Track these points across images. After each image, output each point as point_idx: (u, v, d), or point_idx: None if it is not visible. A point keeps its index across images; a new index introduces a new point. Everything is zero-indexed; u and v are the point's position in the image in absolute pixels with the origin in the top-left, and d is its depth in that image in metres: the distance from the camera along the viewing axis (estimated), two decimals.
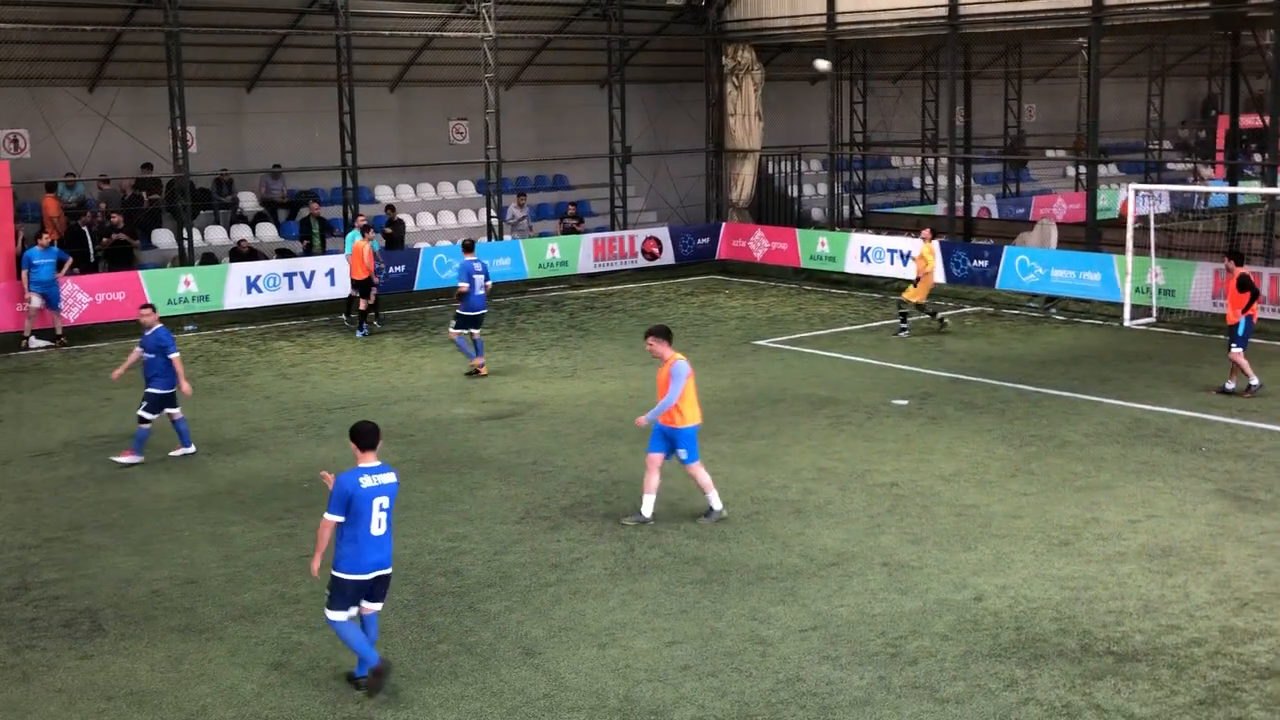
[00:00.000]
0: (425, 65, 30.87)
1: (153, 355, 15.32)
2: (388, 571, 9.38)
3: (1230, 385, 17.75)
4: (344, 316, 24.61)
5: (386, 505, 9.23)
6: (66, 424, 17.30)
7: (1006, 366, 19.92)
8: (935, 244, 24.23)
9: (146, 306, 15.95)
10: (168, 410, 15.41)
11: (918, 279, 22.79)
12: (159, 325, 15.49)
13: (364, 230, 24.01)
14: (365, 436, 9.41)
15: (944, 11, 27.24)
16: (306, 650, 10.04)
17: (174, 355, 15.30)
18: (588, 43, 31.76)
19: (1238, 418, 16.53)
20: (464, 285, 19.47)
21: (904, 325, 22.78)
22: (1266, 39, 26.92)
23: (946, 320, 23.36)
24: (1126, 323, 23.11)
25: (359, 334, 23.25)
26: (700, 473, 12.90)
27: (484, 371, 19.71)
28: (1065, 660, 9.64)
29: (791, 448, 15.49)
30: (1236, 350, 17.58)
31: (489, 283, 20.20)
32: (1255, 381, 17.59)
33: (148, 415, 15.24)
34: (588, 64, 32.76)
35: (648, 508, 12.86)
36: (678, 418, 12.65)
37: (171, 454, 15.50)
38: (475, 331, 19.80)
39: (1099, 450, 15.18)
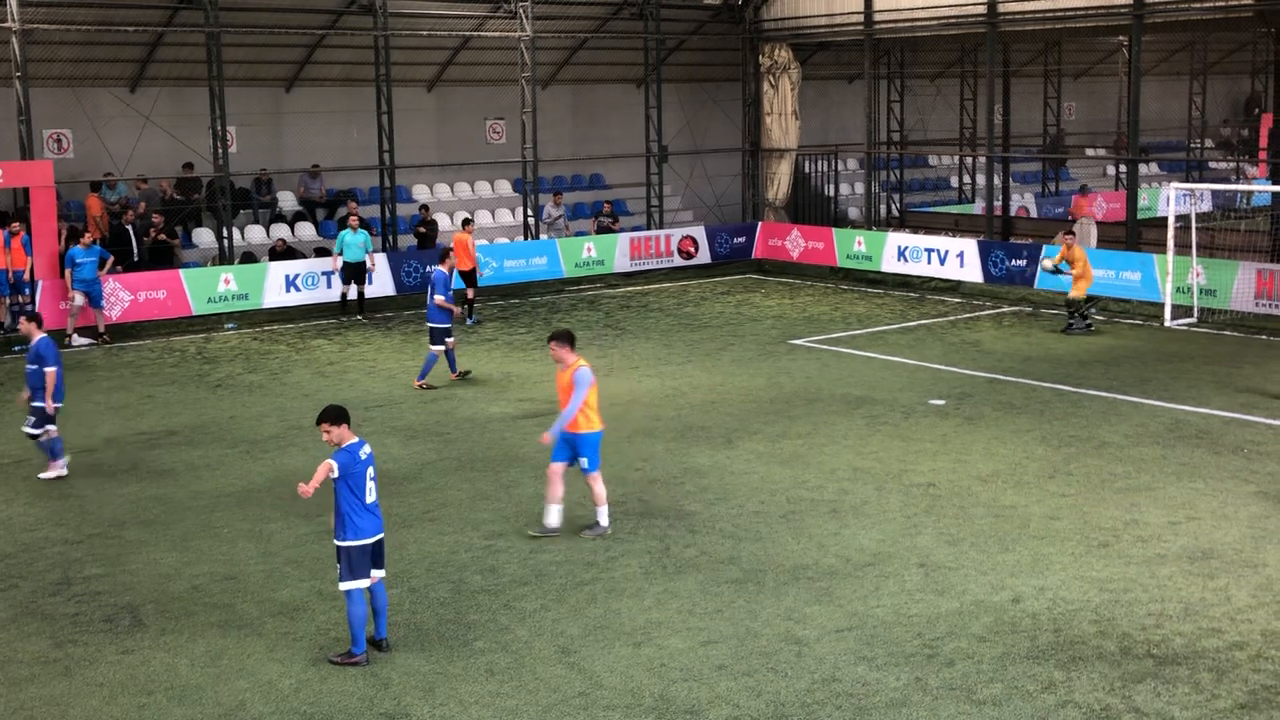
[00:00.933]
0: (462, 65, 31.01)
1: (34, 367, 14.43)
2: (383, 535, 10.09)
3: None
4: (359, 316, 24.95)
5: (373, 474, 10.06)
6: (109, 421, 17.49)
7: (1045, 367, 19.78)
8: (1079, 245, 23.23)
9: (25, 316, 15.03)
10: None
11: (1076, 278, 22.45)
12: (39, 336, 14.55)
13: (464, 224, 25.26)
14: (345, 415, 9.99)
15: (983, 10, 27.08)
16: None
17: (50, 369, 14.30)
18: (624, 42, 31.79)
19: None
20: (440, 298, 18.80)
21: (1086, 321, 22.46)
22: None
23: (1092, 324, 22.69)
24: (1167, 323, 22.90)
25: (469, 322, 24.16)
26: (598, 484, 12.50)
27: (436, 384, 19.05)
28: (1104, 663, 9.57)
29: (827, 447, 15.45)
30: None
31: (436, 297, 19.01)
32: None
33: (37, 430, 14.49)
34: (624, 63, 32.81)
35: (553, 518, 12.46)
36: (581, 422, 12.33)
37: (41, 475, 14.69)
38: (450, 341, 19.13)
39: (1139, 451, 15.05)
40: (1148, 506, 13.08)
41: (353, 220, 25.15)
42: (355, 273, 24.87)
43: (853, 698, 9.09)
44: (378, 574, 9.99)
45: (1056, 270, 22.90)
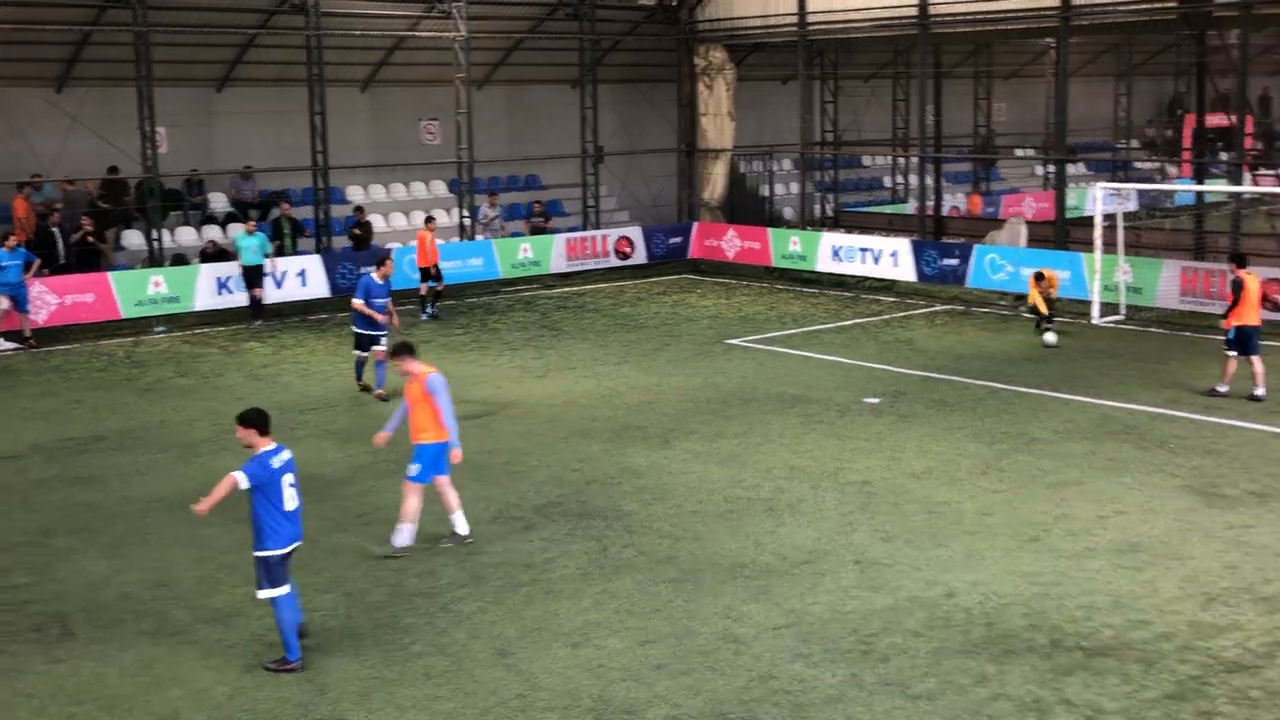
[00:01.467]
0: (397, 65, 30.79)
1: None
2: (301, 543, 10.05)
3: (1255, 390, 17.45)
4: (257, 320, 24.71)
5: (293, 480, 9.90)
6: (36, 427, 17.17)
7: (977, 364, 20.04)
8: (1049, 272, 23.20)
9: None
10: None
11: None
12: None
13: (426, 221, 25.92)
14: (264, 421, 9.87)
15: (914, 11, 27.36)
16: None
17: None
18: (559, 43, 31.74)
19: (1204, 414, 16.69)
20: (357, 301, 18.27)
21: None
22: (1232, 38, 27.16)
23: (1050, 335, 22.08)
24: (1095, 320, 23.28)
25: (424, 315, 24.84)
26: (414, 498, 12.04)
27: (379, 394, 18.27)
28: (1035, 656, 9.72)
29: (764, 446, 15.54)
30: (1232, 353, 17.55)
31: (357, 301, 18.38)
32: (1222, 388, 17.61)
33: None
34: (560, 64, 32.75)
35: (405, 537, 12.05)
36: (422, 434, 12.01)
37: None
38: (378, 350, 18.18)
39: (1068, 447, 15.29)
40: (1077, 501, 13.30)
41: (249, 224, 25.13)
42: (253, 276, 24.73)
43: (790, 695, 9.16)
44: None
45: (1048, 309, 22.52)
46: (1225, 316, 17.60)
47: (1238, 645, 9.83)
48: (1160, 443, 15.43)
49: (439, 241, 26.44)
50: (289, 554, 9.84)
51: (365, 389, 18.61)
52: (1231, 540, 12.10)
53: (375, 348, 18.29)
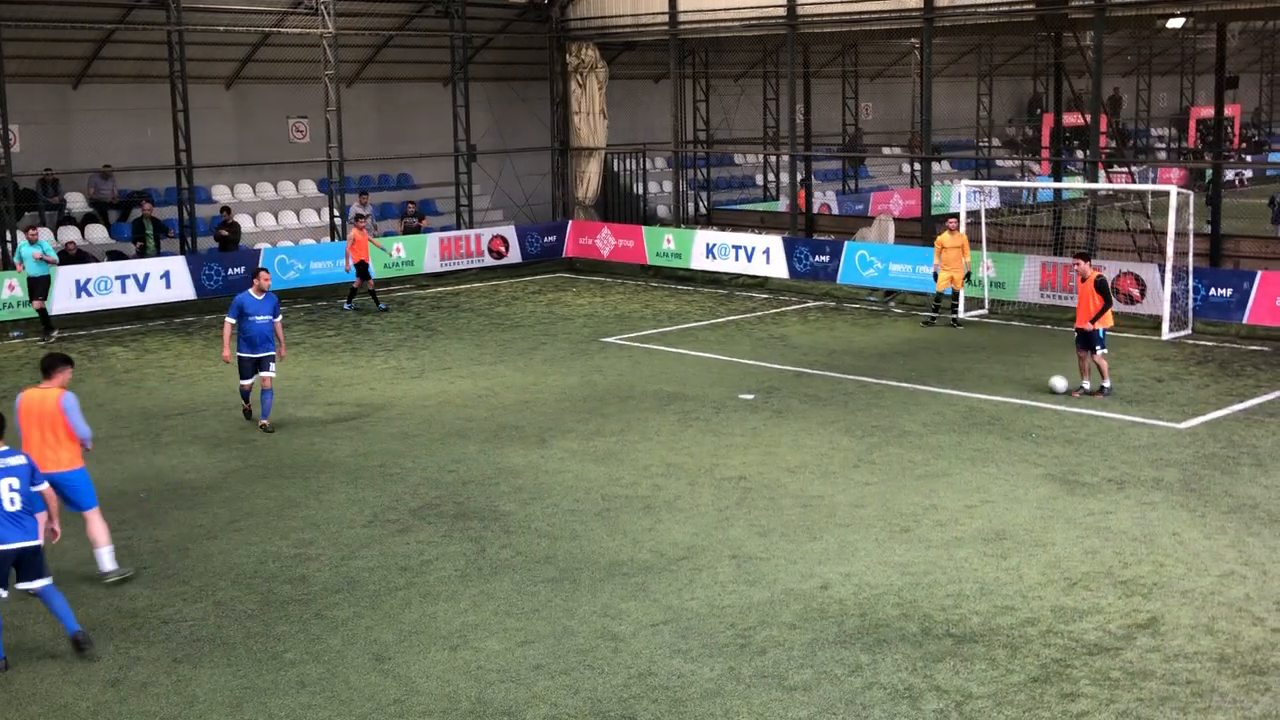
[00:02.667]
0: (263, 62, 30.17)
1: None
2: (29, 544, 9.82)
3: (1087, 385, 17.65)
4: (50, 334, 22.85)
5: (17, 486, 9.77)
6: None
7: (848, 359, 20.39)
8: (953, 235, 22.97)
9: None
10: None
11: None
12: None
13: (355, 220, 25.94)
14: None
15: (783, 11, 27.73)
16: (145, 665, 9.73)
17: None
18: (430, 40, 31.44)
19: (1065, 405, 17.22)
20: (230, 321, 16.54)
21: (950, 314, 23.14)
22: (1086, 40, 28.09)
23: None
24: (961, 315, 23.86)
25: (347, 306, 25.26)
26: (96, 523, 11.43)
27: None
28: (907, 644, 9.93)
29: (641, 444, 15.60)
30: (1101, 351, 17.55)
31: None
32: (1107, 384, 17.65)
33: None
34: (431, 61, 32.46)
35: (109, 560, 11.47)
36: (65, 458, 11.04)
37: None
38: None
39: (936, 439, 15.65)
40: (945, 492, 13.62)
41: (31, 232, 23.37)
42: (36, 287, 22.97)
43: (669, 690, 9.21)
44: (30, 585, 9.87)
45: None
46: (1098, 317, 17.36)
47: (1098, 628, 10.16)
48: (1023, 433, 15.88)
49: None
50: (14, 554, 9.71)
51: (248, 414, 16.90)
52: (1091, 526, 12.51)
53: (262, 373, 16.44)
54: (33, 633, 10.36)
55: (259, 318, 16.42)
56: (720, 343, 21.99)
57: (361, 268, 25.18)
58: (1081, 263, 17.79)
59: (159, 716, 8.95)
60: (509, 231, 30.87)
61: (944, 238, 22.80)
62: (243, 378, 16.69)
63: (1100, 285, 17.40)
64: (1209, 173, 35.24)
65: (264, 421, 16.44)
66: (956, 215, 23.81)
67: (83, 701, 9.19)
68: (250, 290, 16.52)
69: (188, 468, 14.97)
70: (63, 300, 23.95)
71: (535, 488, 13.90)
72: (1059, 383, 17.71)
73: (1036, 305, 23.92)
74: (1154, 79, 49.17)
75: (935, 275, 23.06)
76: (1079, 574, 11.30)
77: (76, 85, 28.25)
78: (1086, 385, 17.66)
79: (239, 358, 16.57)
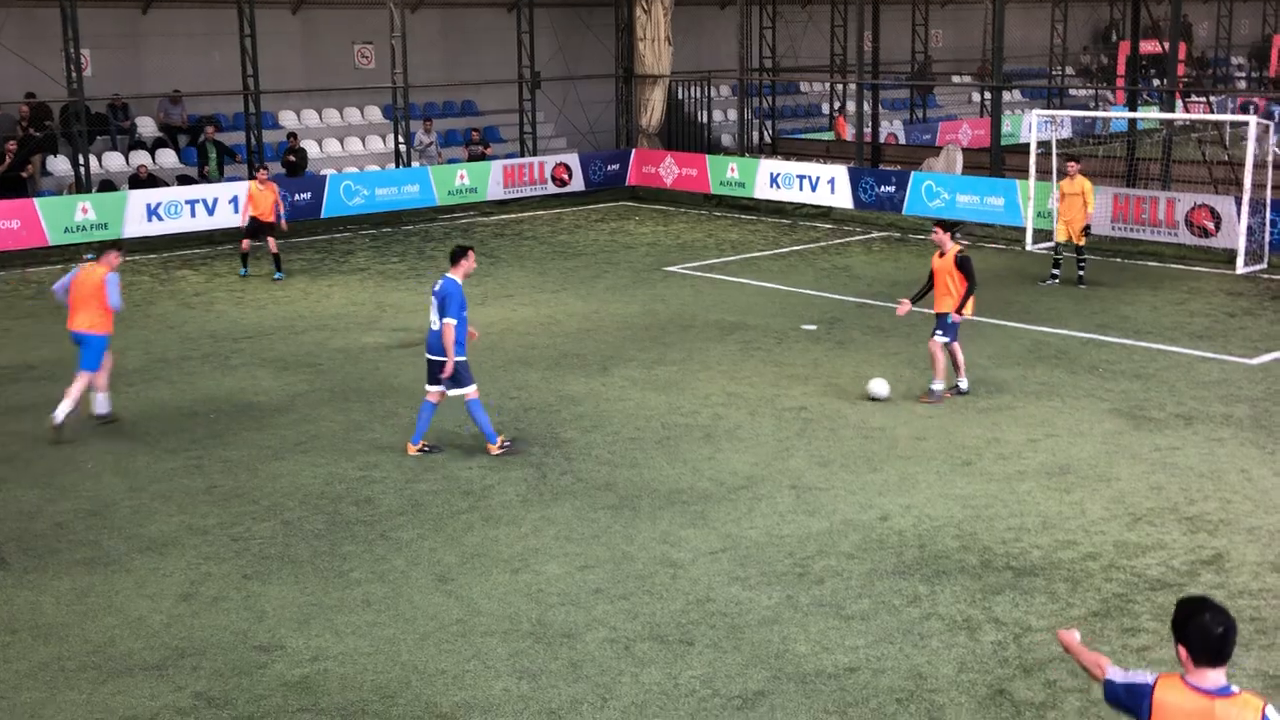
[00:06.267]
0: None
1: None
2: None
3: (938, 385, 14.43)
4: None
5: None
6: None
7: (912, 291, 20.15)
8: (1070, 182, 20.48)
9: None
10: None
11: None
12: None
13: (256, 171, 22.82)
14: None
15: None
16: (216, 581, 9.98)
17: None
18: None
19: (1133, 339, 16.98)
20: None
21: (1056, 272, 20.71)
22: None
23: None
24: (1029, 247, 23.52)
25: (277, 277, 21.98)
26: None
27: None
28: (966, 576, 9.93)
29: (702, 373, 15.62)
30: (953, 343, 14.42)
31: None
32: (963, 384, 14.61)
33: None
34: None
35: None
36: (93, 322, 13.55)
37: None
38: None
39: (1001, 372, 15.52)
40: (1008, 425, 13.52)
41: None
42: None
43: (726, 617, 9.29)
44: None
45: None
46: (963, 304, 14.27)
47: (1161, 564, 10.09)
48: (1090, 367, 15.69)
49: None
50: None
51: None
52: (1158, 462, 12.39)
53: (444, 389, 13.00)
54: (107, 547, 10.65)
55: (464, 313, 12.73)
56: (783, 273, 21.87)
57: (264, 227, 21.82)
58: (940, 232, 14.29)
59: (230, 630, 9.20)
60: (572, 159, 30.78)
61: (1063, 183, 20.40)
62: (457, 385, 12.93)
63: (963, 263, 14.13)
64: None
65: (501, 441, 12.93)
66: (1076, 157, 21.54)
67: (156, 615, 9.45)
68: (456, 276, 12.62)
69: (256, 390, 15.22)
70: (134, 224, 24.29)
71: (596, 415, 13.98)
72: (879, 388, 14.30)
73: (1107, 238, 23.51)
74: (1234, 5, 47.73)
75: (1053, 226, 20.93)
76: (1143, 509, 11.21)
77: (146, 10, 28.42)
78: (962, 384, 14.53)
79: (459, 363, 12.67)
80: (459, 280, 12.51)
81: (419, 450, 12.80)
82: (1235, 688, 5.03)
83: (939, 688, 8.28)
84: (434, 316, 12.39)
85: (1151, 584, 9.76)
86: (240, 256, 22.41)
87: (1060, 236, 20.63)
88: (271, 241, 21.98)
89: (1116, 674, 5.30)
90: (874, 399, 14.23)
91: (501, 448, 12.74)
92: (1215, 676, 5.00)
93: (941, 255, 14.41)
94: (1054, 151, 23.62)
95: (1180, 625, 5.07)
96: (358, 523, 11.13)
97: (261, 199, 21.91)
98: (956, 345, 14.48)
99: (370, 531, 10.93)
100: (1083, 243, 20.41)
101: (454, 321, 12.33)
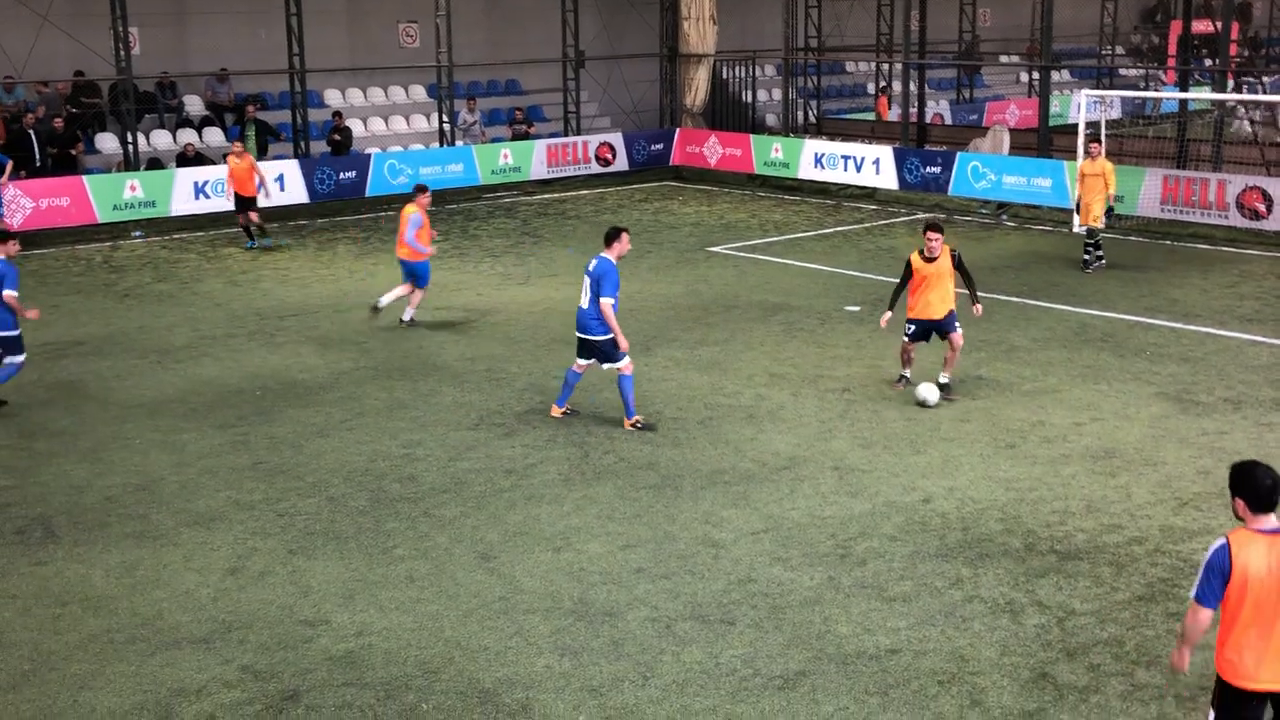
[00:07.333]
0: None
1: None
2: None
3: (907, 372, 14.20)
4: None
5: None
6: None
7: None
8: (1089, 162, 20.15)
9: None
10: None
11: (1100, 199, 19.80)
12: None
13: (235, 145, 23.29)
14: None
15: None
16: (262, 555, 10.09)
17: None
18: None
19: (1182, 322, 16.79)
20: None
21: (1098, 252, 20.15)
22: None
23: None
24: (1076, 228, 23.24)
25: (266, 243, 22.65)
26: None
27: None
28: (1009, 559, 9.87)
29: (745, 354, 15.59)
30: (954, 334, 13.83)
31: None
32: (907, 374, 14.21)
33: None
34: None
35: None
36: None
37: None
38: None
39: (1046, 355, 15.39)
40: (1054, 408, 13.41)
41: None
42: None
43: (768, 597, 9.29)
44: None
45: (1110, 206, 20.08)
46: (977, 297, 14.12)
47: (1207, 549, 9.97)
48: (1137, 350, 15.53)
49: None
50: None
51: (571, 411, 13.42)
52: (1205, 446, 12.25)
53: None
54: (155, 521, 10.79)
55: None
56: (827, 253, 21.77)
57: (244, 200, 22.40)
58: (935, 237, 13.52)
59: (275, 604, 9.30)
60: (616, 139, 30.74)
61: (1084, 164, 20.13)
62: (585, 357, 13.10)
63: (961, 260, 13.74)
64: None
65: (636, 419, 12.95)
66: (1098, 138, 21.33)
67: (204, 589, 9.57)
68: (611, 256, 12.81)
69: (301, 367, 15.34)
70: (181, 201, 24.51)
71: (639, 395, 13.98)
72: (929, 393, 13.50)
73: (1156, 220, 23.23)
74: None
75: (1077, 207, 20.42)
76: (1190, 494, 11.10)
77: None
78: (944, 378, 13.94)
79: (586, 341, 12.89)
80: (614, 260, 12.84)
81: (561, 413, 13.24)
82: None
83: (981, 670, 8.25)
84: (586, 295, 12.76)
85: (1197, 569, 9.64)
86: (244, 230, 22.78)
87: (1082, 220, 20.21)
88: (253, 214, 22.50)
89: (1197, 587, 6.39)
90: (923, 405, 13.45)
91: (635, 425, 12.89)
92: (1271, 520, 6.28)
93: (931, 259, 13.52)
94: (1103, 132, 23.34)
95: (1237, 482, 6.31)
96: (401, 500, 11.21)
97: (240, 172, 22.38)
98: (959, 335, 13.82)
99: (413, 509, 11.01)
100: (1101, 225, 20.02)
101: (611, 300, 12.68)
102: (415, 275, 17.11)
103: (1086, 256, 20.22)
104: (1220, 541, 6.34)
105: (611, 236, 12.91)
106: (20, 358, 13.82)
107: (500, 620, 9.02)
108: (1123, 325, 16.74)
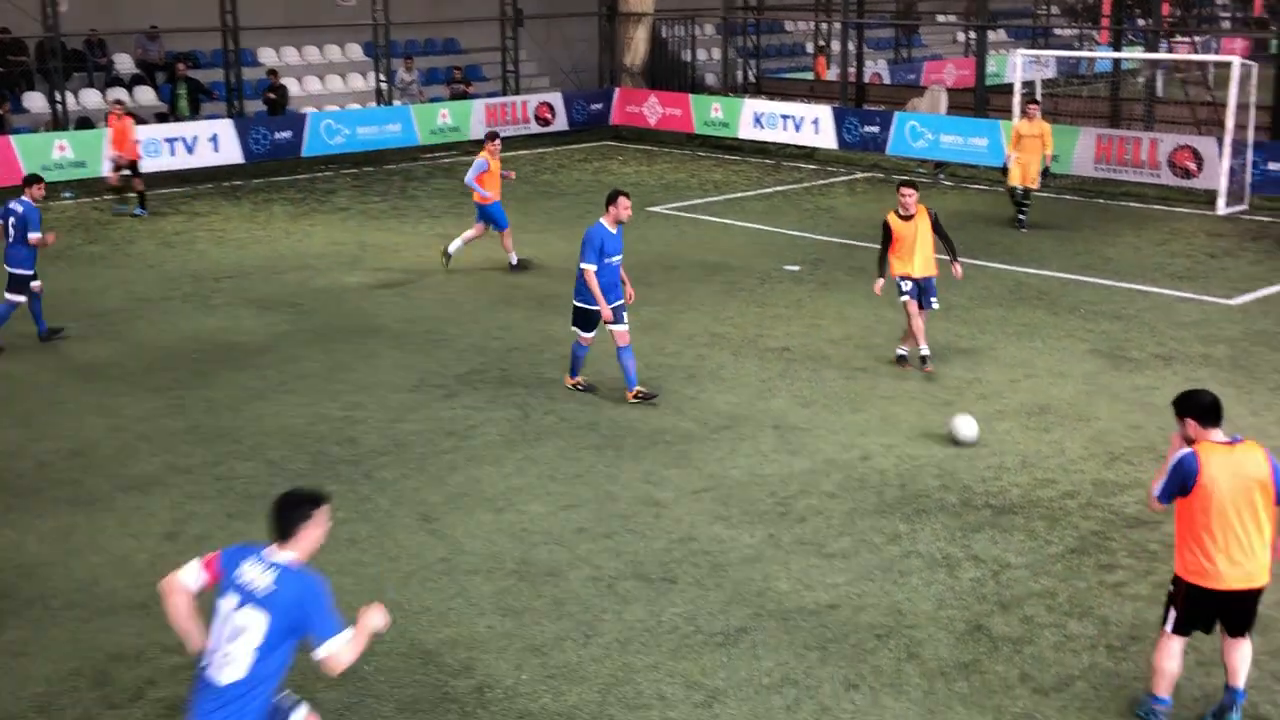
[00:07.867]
0: None
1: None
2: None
3: (905, 350, 13.68)
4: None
5: None
6: None
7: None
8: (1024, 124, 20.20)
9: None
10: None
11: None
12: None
13: (115, 104, 22.41)
14: None
15: None
16: (200, 520, 10.01)
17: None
18: None
19: (1114, 280, 17.04)
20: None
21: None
22: None
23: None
24: (1009, 186, 23.46)
25: (139, 212, 21.67)
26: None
27: None
28: (946, 514, 10.02)
29: (685, 314, 15.63)
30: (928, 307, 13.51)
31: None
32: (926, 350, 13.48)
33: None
34: None
35: None
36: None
37: None
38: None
39: (982, 313, 15.57)
40: (989, 365, 13.59)
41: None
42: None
43: (709, 555, 9.37)
44: None
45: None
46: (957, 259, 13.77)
47: (1138, 501, 10.20)
48: (1071, 308, 15.75)
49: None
50: None
51: (588, 388, 12.98)
52: (1136, 401, 12.48)
53: (616, 327, 12.53)
54: (90, 486, 10.66)
55: (615, 259, 12.50)
56: (767, 213, 21.83)
57: (128, 163, 21.61)
58: (909, 193, 13.23)
59: None
60: (555, 99, 30.54)
61: (1021, 125, 20.11)
62: (585, 329, 12.68)
63: (938, 221, 13.52)
64: (1274, 43, 34.17)
65: (638, 390, 12.60)
66: (1036, 100, 21.39)
67: (141, 554, 9.49)
68: (605, 221, 12.43)
69: (238, 330, 15.18)
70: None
71: (590, 358, 13.97)
72: (967, 429, 11.44)
73: (1090, 179, 23.50)
74: None
75: (1005, 168, 20.59)
76: (1121, 449, 11.31)
77: None
78: (925, 350, 13.36)
79: (576, 308, 12.63)
80: (609, 226, 12.33)
81: (637, 396, 12.51)
82: (1240, 435, 7.01)
83: (918, 624, 8.39)
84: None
85: (1129, 521, 9.87)
86: (138, 196, 21.74)
87: (1014, 180, 20.17)
88: (136, 180, 21.62)
89: (1159, 483, 6.95)
90: (960, 443, 11.36)
91: (637, 396, 12.49)
92: (1220, 433, 6.88)
93: (908, 217, 13.24)
94: (1038, 92, 23.55)
95: (1183, 406, 6.94)
96: (341, 462, 11.15)
97: (120, 134, 21.46)
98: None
99: (354, 471, 10.96)
100: (1036, 186, 20.21)
101: (592, 266, 12.20)
102: (488, 218, 17.62)
103: (1021, 216, 20.39)
104: (1188, 450, 6.83)
105: (608, 200, 12.40)
106: (21, 298, 14.32)
107: (442, 581, 9.03)
108: (1057, 283, 16.97)
